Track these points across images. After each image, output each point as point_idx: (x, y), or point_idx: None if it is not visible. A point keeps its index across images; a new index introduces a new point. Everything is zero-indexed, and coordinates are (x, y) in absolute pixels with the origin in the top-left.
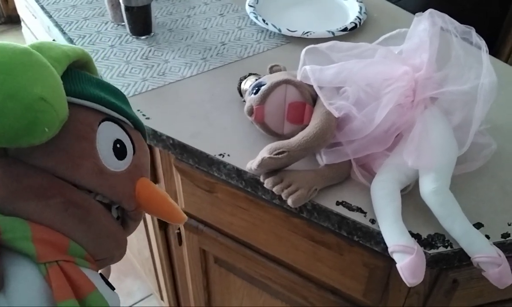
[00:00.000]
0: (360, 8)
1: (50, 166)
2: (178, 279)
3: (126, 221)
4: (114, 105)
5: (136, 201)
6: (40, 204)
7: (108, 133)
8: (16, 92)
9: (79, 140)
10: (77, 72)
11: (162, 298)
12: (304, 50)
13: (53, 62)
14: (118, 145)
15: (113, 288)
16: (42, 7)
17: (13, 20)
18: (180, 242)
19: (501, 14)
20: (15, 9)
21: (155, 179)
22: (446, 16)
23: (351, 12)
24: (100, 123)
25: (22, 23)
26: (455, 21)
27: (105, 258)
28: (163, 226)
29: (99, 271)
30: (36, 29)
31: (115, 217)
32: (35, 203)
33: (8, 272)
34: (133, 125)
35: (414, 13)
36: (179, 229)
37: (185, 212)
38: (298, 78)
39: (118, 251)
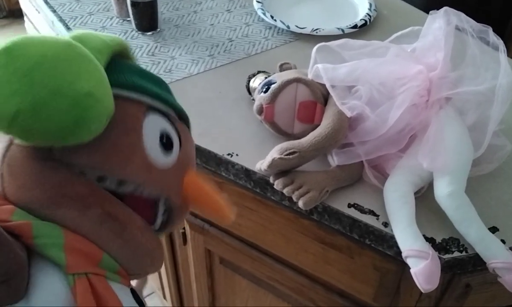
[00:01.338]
0: (370, 5)
1: (98, 163)
2: (182, 278)
3: (173, 214)
4: (159, 95)
5: (181, 197)
6: (77, 213)
7: (154, 125)
8: (61, 88)
9: (126, 134)
10: (119, 62)
11: (164, 297)
12: (315, 48)
13: (96, 53)
14: (164, 138)
15: (143, 306)
16: (46, 2)
17: (15, 15)
18: (185, 241)
19: (505, 12)
20: (17, 3)
21: None
22: (462, 15)
23: (361, 9)
24: (145, 115)
25: (25, 18)
26: (471, 19)
27: (139, 273)
28: None
29: (135, 281)
30: (40, 24)
31: (162, 211)
32: (72, 212)
33: (35, 279)
34: (178, 116)
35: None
36: (184, 228)
37: (191, 212)
38: (310, 76)
39: (152, 268)
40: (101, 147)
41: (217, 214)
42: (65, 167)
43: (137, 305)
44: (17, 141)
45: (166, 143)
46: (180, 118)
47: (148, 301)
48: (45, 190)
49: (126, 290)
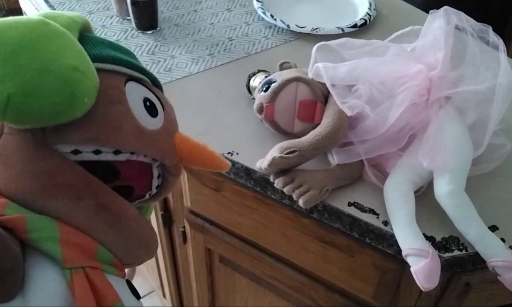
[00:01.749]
0: (370, 4)
1: (91, 136)
2: (182, 277)
3: (167, 177)
4: (133, 64)
5: (177, 156)
6: (71, 204)
7: (135, 93)
8: (47, 66)
9: (113, 105)
10: (89, 36)
11: (164, 296)
12: (315, 47)
13: (67, 29)
14: (148, 103)
15: (138, 297)
16: (46, 0)
17: (14, 13)
18: (184, 240)
19: (505, 12)
20: (16, 2)
21: None
22: (462, 14)
23: (361, 8)
24: (125, 84)
25: (25, 16)
26: (471, 19)
27: (134, 262)
28: (167, 224)
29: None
30: None
31: (157, 175)
32: (65, 202)
33: (31, 274)
34: (152, 81)
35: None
36: (184, 227)
37: (191, 211)
38: (310, 75)
39: (147, 257)
40: (91, 120)
41: (213, 164)
42: (58, 155)
43: (134, 297)
44: (8, 130)
45: (150, 108)
46: (154, 83)
47: (147, 300)
48: (38, 179)
49: (122, 282)
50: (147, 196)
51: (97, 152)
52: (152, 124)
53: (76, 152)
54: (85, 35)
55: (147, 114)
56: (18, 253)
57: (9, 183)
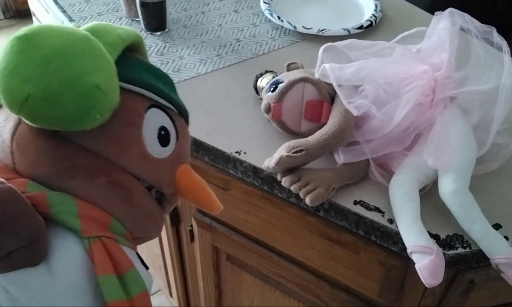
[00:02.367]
0: (376, 6)
1: (97, 150)
2: (189, 276)
3: (163, 203)
4: (162, 91)
5: (175, 187)
6: (85, 182)
7: (154, 120)
8: (73, 79)
9: (127, 126)
10: (130, 57)
11: (171, 295)
12: (322, 48)
13: (109, 47)
14: (162, 132)
15: (147, 268)
16: (56, 2)
17: (21, 14)
18: (192, 239)
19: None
20: (23, 3)
21: None
22: (467, 15)
23: (367, 10)
24: (147, 110)
25: (33, 18)
26: (475, 20)
27: (143, 237)
28: (174, 223)
29: None
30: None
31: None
32: (81, 182)
33: (52, 244)
34: (178, 111)
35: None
36: (191, 226)
37: (198, 210)
38: (317, 76)
39: (155, 231)
40: (102, 134)
41: (206, 204)
42: (72, 143)
43: (143, 267)
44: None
45: (163, 138)
46: (180, 113)
47: (154, 299)
48: (55, 163)
49: (133, 253)
50: None
51: None
52: (159, 153)
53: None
54: (127, 55)
55: (158, 142)
56: (43, 222)
57: (27, 167)
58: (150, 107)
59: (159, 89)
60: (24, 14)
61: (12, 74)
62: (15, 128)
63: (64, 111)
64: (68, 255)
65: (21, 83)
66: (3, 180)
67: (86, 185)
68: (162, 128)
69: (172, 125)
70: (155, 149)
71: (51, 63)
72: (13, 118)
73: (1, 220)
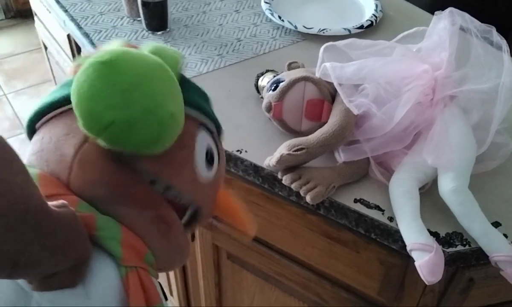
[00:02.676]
0: (376, 6)
1: (154, 170)
2: (189, 275)
3: (192, 223)
4: (209, 112)
5: (214, 209)
6: (135, 212)
7: (203, 142)
8: (153, 108)
9: (182, 149)
10: (182, 77)
11: (171, 293)
12: (322, 47)
13: (172, 71)
14: (209, 156)
15: (166, 298)
16: (58, 1)
17: (22, 15)
18: (193, 237)
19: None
20: (24, 3)
21: None
22: (467, 15)
23: (367, 10)
24: (198, 131)
25: (35, 18)
26: (475, 20)
27: (167, 268)
28: None
29: None
30: (50, 24)
31: (188, 216)
32: (130, 210)
33: (93, 267)
34: (217, 131)
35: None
36: None
37: None
38: (318, 75)
39: (179, 265)
40: (160, 157)
41: (239, 231)
42: (131, 171)
43: (164, 298)
44: (92, 139)
45: (210, 160)
46: (218, 132)
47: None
48: (111, 188)
49: (158, 285)
50: None
51: (152, 182)
52: (206, 174)
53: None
54: (179, 75)
55: (205, 165)
56: (91, 248)
57: (83, 185)
58: (199, 128)
59: (207, 110)
60: (25, 14)
61: (96, 99)
62: (81, 145)
63: (141, 137)
64: (105, 280)
65: (106, 108)
66: (66, 202)
67: (134, 215)
68: (209, 150)
69: (215, 147)
70: (203, 171)
71: (135, 91)
72: (79, 134)
73: (60, 242)
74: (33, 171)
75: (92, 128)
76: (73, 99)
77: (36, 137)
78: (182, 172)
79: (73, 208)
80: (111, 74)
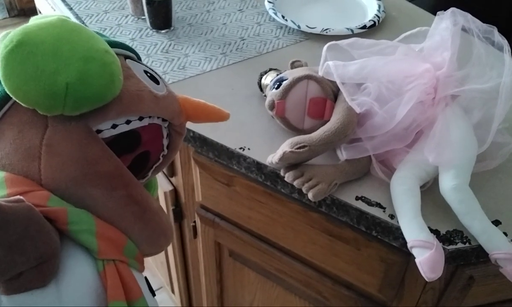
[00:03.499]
0: (379, 6)
1: (124, 109)
2: (191, 272)
3: (173, 136)
4: (124, 45)
5: (184, 115)
6: (105, 193)
7: (136, 68)
8: (88, 53)
9: (128, 80)
10: None
11: (173, 291)
12: (325, 46)
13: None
14: (148, 74)
15: (154, 294)
16: (63, 0)
17: (26, 13)
18: (195, 235)
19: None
20: (28, 2)
21: (173, 172)
22: (469, 15)
23: (370, 10)
24: (128, 63)
25: (39, 15)
26: (477, 20)
27: (154, 252)
28: (178, 219)
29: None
30: None
31: (166, 135)
32: (101, 192)
33: (65, 264)
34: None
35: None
36: (194, 222)
37: (202, 205)
38: (320, 73)
39: (165, 246)
40: (120, 96)
41: (216, 115)
42: (100, 144)
43: (151, 294)
44: (52, 122)
45: (152, 78)
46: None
47: (156, 295)
48: (81, 166)
49: (142, 278)
50: (161, 158)
51: (127, 122)
52: (160, 90)
53: (114, 126)
54: None
55: (152, 82)
56: (58, 243)
57: (54, 171)
58: (126, 60)
59: (123, 44)
60: (29, 13)
61: (38, 76)
62: (43, 132)
63: (98, 83)
64: (79, 277)
65: (52, 77)
66: (22, 197)
67: (105, 196)
68: (146, 71)
69: (148, 68)
70: (155, 88)
71: (62, 49)
72: (35, 125)
73: (14, 238)
74: None
75: (54, 103)
76: (16, 95)
77: None
78: (144, 97)
79: (44, 203)
80: (31, 50)
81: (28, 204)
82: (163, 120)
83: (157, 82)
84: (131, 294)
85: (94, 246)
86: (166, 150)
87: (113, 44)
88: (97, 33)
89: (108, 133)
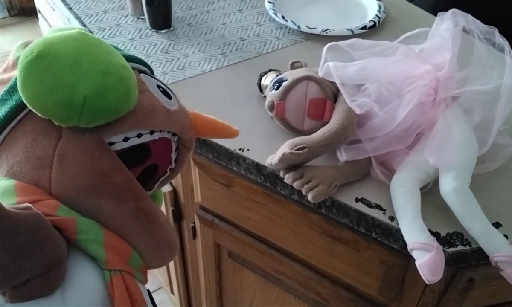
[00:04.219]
0: (379, 6)
1: (137, 123)
2: (190, 273)
3: (181, 150)
4: (139, 59)
5: (193, 130)
6: (115, 205)
7: (149, 83)
8: (106, 67)
9: (142, 94)
10: None
11: (172, 292)
12: (325, 47)
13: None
14: (161, 89)
15: (155, 306)
16: (62, 0)
17: (26, 12)
18: (194, 236)
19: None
20: (28, 1)
21: None
22: (469, 16)
23: (370, 10)
24: (142, 78)
25: (39, 15)
26: (478, 21)
27: (158, 265)
28: (177, 219)
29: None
30: (54, 22)
31: (174, 149)
32: (111, 203)
33: (71, 273)
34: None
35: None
36: (193, 223)
37: (201, 206)
38: (320, 74)
39: (170, 259)
40: (133, 115)
41: (225, 132)
42: (112, 156)
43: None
44: (65, 133)
45: (165, 92)
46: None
47: (155, 296)
48: (92, 177)
49: (145, 290)
50: (168, 171)
51: (139, 135)
52: (172, 105)
53: (126, 139)
54: None
55: (165, 97)
56: (65, 252)
57: (64, 180)
58: (140, 75)
59: (137, 58)
60: (29, 12)
61: (57, 88)
62: (57, 142)
63: (114, 97)
64: (85, 287)
65: (71, 89)
66: (30, 205)
67: (115, 208)
68: (159, 86)
69: (161, 83)
70: (167, 103)
71: (81, 63)
72: (48, 134)
73: (22, 245)
74: (8, 183)
75: (70, 114)
76: (33, 105)
77: None
78: (156, 112)
79: (53, 212)
80: (51, 62)
81: (36, 212)
82: (173, 134)
83: (169, 97)
84: (136, 305)
85: (102, 256)
86: (173, 164)
87: (129, 59)
88: (113, 46)
89: (120, 146)
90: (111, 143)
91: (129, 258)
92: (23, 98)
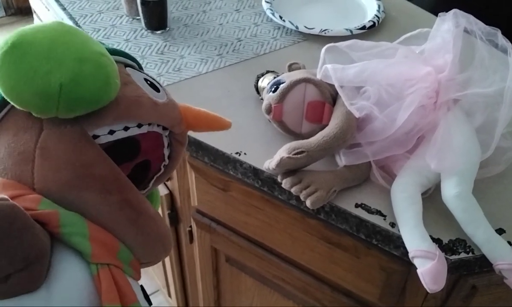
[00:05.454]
0: (379, 6)
1: (122, 114)
2: (188, 277)
3: (175, 146)
4: (125, 53)
5: (184, 123)
6: (100, 197)
7: (136, 76)
8: (82, 55)
9: (126, 85)
10: None
11: (169, 295)
12: (324, 48)
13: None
14: (148, 82)
15: (150, 303)
16: (56, 0)
17: (22, 12)
18: (191, 240)
19: None
20: (25, 0)
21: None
22: (471, 17)
23: (369, 10)
24: (128, 71)
25: (34, 15)
26: (480, 22)
27: (151, 261)
28: (174, 223)
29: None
30: None
31: (166, 144)
32: (95, 195)
33: (57, 267)
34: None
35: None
36: (190, 227)
37: (198, 210)
38: (319, 76)
39: (164, 254)
40: (117, 101)
41: (218, 123)
42: (95, 148)
43: (147, 302)
44: (47, 126)
45: (153, 85)
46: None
47: (152, 299)
48: (75, 169)
49: (138, 286)
50: (162, 168)
51: (126, 128)
52: (160, 97)
53: (111, 132)
54: None
55: (153, 90)
56: (47, 244)
57: (47, 174)
58: (126, 68)
59: (123, 52)
60: (26, 11)
61: (31, 78)
62: (38, 135)
63: (92, 85)
64: (71, 282)
65: (46, 78)
66: (6, 196)
67: (99, 201)
68: (146, 79)
69: (149, 77)
70: (155, 95)
71: (56, 50)
72: (30, 128)
73: None
74: None
75: (47, 103)
76: (10, 96)
77: None
78: (142, 103)
79: (35, 206)
80: (25, 51)
81: (12, 202)
82: (164, 128)
83: (157, 90)
84: (125, 300)
85: (88, 250)
86: (167, 160)
87: (113, 52)
88: (102, 43)
89: (105, 138)
90: (96, 136)
91: (117, 252)
92: (0, 91)
